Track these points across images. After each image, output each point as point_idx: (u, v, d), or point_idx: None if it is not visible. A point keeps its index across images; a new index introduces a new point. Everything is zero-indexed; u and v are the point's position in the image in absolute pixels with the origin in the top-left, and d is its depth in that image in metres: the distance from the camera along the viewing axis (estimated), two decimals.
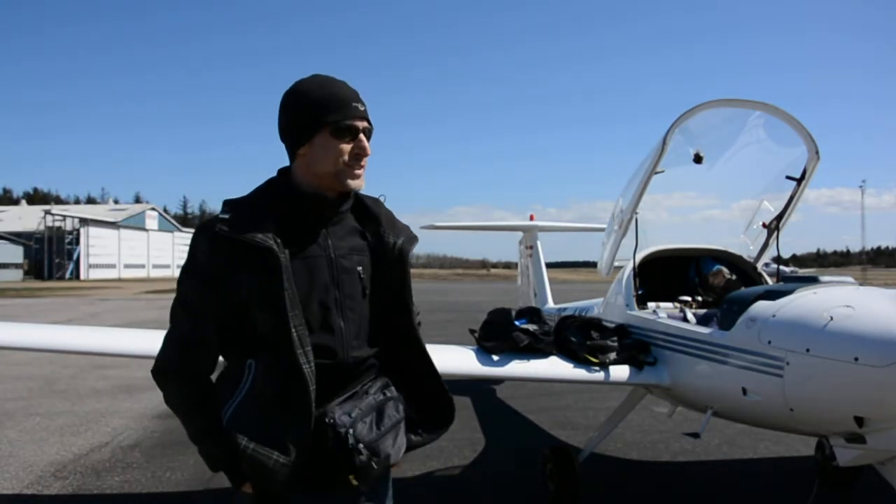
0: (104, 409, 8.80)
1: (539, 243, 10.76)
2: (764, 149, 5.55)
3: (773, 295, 4.02)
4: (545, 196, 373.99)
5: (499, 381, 9.84)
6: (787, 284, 4.26)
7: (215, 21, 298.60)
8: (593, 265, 6.83)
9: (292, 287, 1.93)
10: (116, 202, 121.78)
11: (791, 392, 3.59)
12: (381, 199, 2.28)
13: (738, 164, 5.71)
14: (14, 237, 78.68)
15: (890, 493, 3.56)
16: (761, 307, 3.94)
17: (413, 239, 2.23)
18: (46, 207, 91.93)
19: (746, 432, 6.89)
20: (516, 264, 12.00)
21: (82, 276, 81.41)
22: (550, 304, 9.74)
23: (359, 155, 2.06)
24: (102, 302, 34.77)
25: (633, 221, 5.53)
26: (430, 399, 2.24)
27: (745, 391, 3.93)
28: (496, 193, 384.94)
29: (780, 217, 5.61)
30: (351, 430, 1.92)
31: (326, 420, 1.94)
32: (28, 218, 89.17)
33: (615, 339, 4.95)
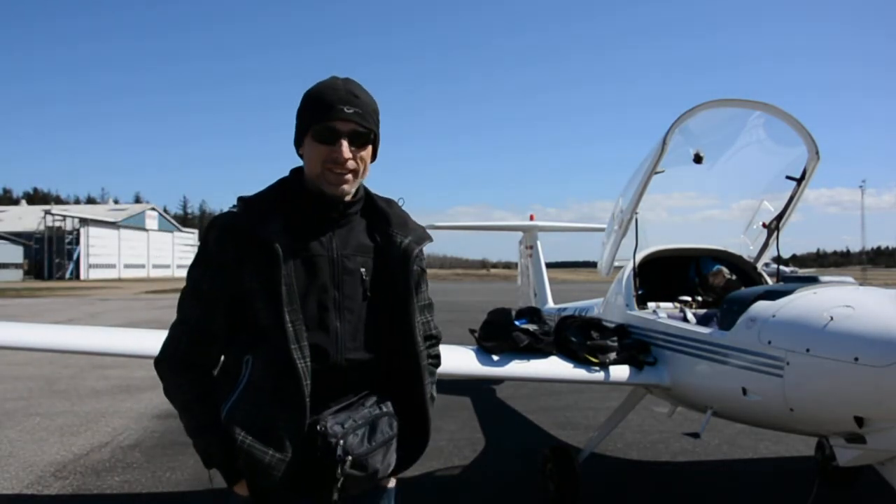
0: (104, 409, 8.80)
1: (539, 243, 10.76)
2: (764, 149, 5.56)
3: (773, 295, 4.02)
4: (545, 196, 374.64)
5: (499, 381, 9.85)
6: (787, 284, 4.26)
7: (216, 19, 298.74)
8: (593, 265, 6.84)
9: (291, 283, 1.94)
10: (116, 202, 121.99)
11: (791, 392, 3.59)
12: (400, 202, 2.25)
13: (738, 164, 5.71)
14: (14, 237, 78.75)
15: (890, 493, 3.56)
16: (761, 307, 3.94)
17: (424, 238, 2.18)
18: (46, 207, 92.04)
19: (746, 432, 6.89)
20: (516, 264, 12.01)
21: (82, 276, 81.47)
22: (550, 304, 9.75)
23: (336, 160, 2.01)
24: (102, 302, 34.78)
25: (633, 221, 5.53)
26: (408, 418, 2.12)
27: (745, 391, 3.93)
28: (496, 193, 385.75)
29: (780, 217, 5.62)
30: (341, 442, 1.91)
31: (318, 428, 1.93)
32: (28, 218, 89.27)
33: (615, 339, 4.95)
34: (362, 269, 2.08)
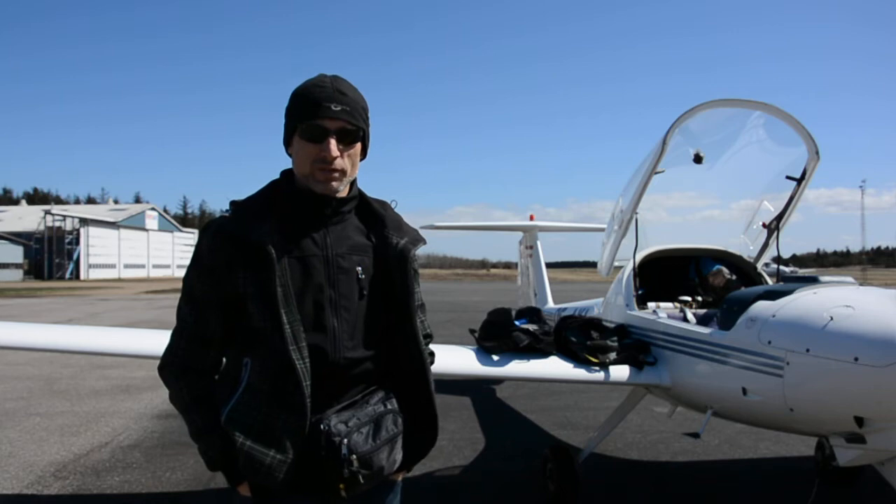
0: (104, 409, 8.79)
1: (539, 243, 10.76)
2: (764, 149, 5.55)
3: (773, 295, 4.02)
4: (545, 196, 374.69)
5: (499, 381, 9.85)
6: (787, 284, 4.26)
7: (216, 19, 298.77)
8: (593, 265, 6.84)
9: (286, 284, 1.95)
10: (116, 202, 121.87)
11: (791, 392, 3.59)
12: (393, 204, 2.26)
13: (738, 164, 5.71)
14: (14, 237, 78.69)
15: (890, 493, 3.56)
16: (761, 307, 3.94)
17: (418, 240, 2.19)
18: (46, 207, 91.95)
19: (746, 432, 6.89)
20: (516, 264, 12.01)
21: (82, 276, 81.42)
22: (550, 304, 9.74)
23: (324, 159, 2.00)
24: (102, 302, 34.76)
25: (633, 221, 5.53)
26: (415, 417, 2.15)
27: (745, 391, 3.93)
28: (496, 193, 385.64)
29: (780, 217, 5.61)
30: (345, 440, 1.92)
31: (321, 427, 1.93)
32: (28, 218, 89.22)
33: (615, 339, 4.95)
34: (358, 268, 2.08)
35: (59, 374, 11.55)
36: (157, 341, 3.65)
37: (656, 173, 5.13)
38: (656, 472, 6.16)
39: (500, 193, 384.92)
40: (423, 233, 2.27)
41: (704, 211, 6.78)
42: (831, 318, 3.43)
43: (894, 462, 3.51)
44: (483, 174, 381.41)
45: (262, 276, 1.93)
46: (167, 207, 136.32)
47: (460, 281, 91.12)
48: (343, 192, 2.10)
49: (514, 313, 5.05)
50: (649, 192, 5.31)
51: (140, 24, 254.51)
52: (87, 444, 7.08)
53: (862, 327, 3.30)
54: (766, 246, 5.83)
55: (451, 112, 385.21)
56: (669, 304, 5.46)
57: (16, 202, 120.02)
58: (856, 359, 3.21)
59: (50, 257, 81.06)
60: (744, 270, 5.81)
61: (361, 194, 2.20)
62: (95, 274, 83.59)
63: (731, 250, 6.00)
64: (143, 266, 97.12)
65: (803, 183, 5.37)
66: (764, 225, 5.73)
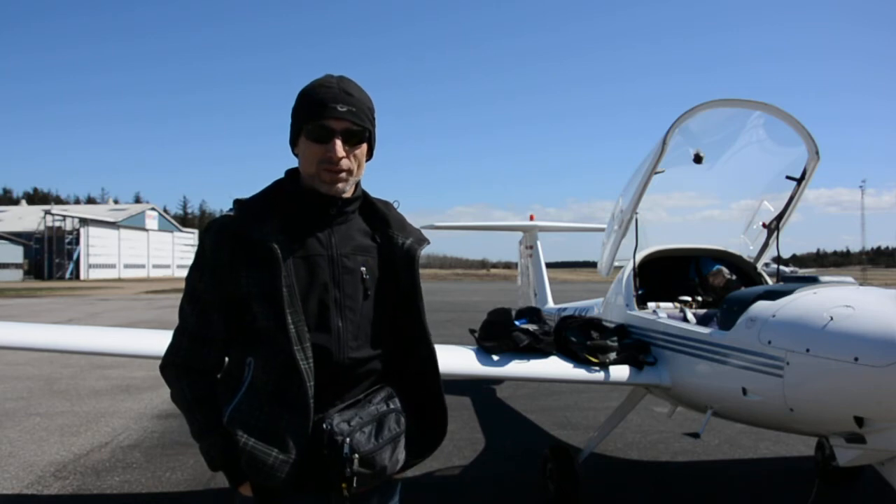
0: (104, 409, 8.79)
1: (539, 243, 10.76)
2: (764, 149, 5.55)
3: (773, 295, 4.02)
4: (545, 196, 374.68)
5: (499, 381, 9.85)
6: (787, 284, 4.26)
7: (216, 20, 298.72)
8: (593, 265, 6.84)
9: (291, 284, 1.94)
10: (116, 202, 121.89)
11: (791, 392, 3.59)
12: (395, 204, 2.26)
13: (738, 164, 5.71)
14: (14, 237, 78.71)
15: (890, 493, 3.56)
16: (761, 307, 3.94)
17: (423, 241, 2.19)
18: (46, 207, 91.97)
19: (746, 432, 6.89)
20: (516, 264, 12.01)
21: (82, 276, 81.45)
22: (550, 304, 9.74)
23: (330, 159, 2.00)
24: (102, 302, 34.76)
25: (633, 221, 5.53)
26: (425, 413, 2.16)
27: (745, 391, 3.93)
28: (496, 193, 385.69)
29: (780, 217, 5.61)
30: (348, 440, 1.92)
31: (324, 426, 1.93)
32: (28, 218, 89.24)
33: (615, 339, 4.95)
34: (362, 269, 2.08)
35: (59, 374, 11.55)
36: (157, 341, 3.63)
37: (656, 173, 5.13)
38: (656, 472, 6.16)
39: (500, 193, 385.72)
40: (423, 233, 2.28)
41: (704, 211, 6.79)
42: (831, 318, 3.43)
43: (894, 462, 3.51)
44: (483, 174, 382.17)
45: (267, 275, 1.93)
46: (167, 207, 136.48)
47: (460, 281, 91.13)
48: (349, 192, 2.10)
49: (514, 313, 5.05)
50: (649, 192, 5.31)
51: (140, 24, 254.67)
52: (87, 444, 7.08)
53: (862, 327, 3.30)
54: (766, 246, 5.83)
55: (451, 112, 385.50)
56: (669, 304, 5.46)
57: (16, 202, 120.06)
58: (856, 359, 3.21)
59: (50, 257, 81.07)
60: (744, 270, 5.81)
61: (365, 194, 2.20)
62: (95, 274, 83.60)
63: (731, 250, 6.00)
64: (143, 266, 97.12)
65: (803, 183, 5.37)
66: (764, 225, 5.73)
